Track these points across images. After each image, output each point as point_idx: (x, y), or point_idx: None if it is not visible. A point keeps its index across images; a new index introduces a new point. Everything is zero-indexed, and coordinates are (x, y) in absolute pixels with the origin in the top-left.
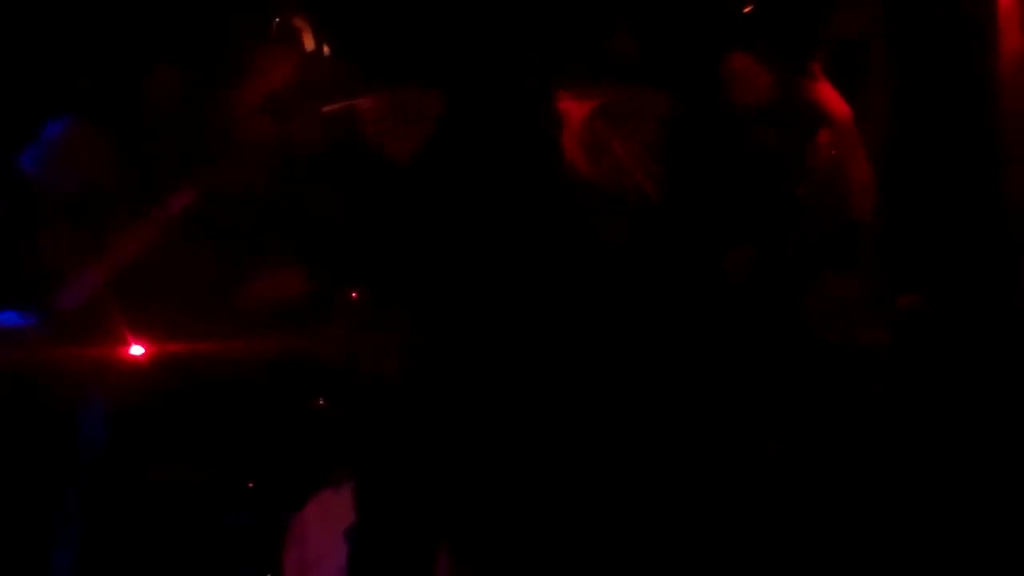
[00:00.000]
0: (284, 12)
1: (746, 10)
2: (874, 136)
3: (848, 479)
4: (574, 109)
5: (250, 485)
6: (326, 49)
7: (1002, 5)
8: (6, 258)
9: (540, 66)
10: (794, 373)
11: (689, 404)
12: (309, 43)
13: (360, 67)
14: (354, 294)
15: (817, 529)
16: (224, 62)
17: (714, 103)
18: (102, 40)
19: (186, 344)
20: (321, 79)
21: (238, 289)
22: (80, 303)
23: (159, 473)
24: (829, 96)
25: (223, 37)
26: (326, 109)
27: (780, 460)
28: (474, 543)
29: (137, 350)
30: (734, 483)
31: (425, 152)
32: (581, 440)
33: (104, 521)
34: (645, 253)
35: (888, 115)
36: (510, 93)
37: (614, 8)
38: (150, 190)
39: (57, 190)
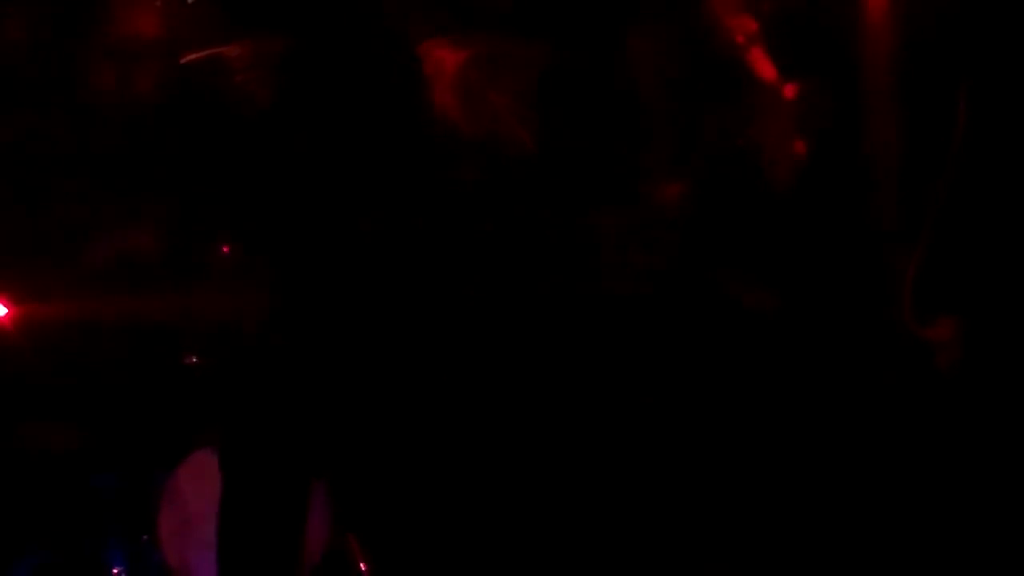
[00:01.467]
0: None
1: None
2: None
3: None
4: (448, 57)
5: (122, 445)
6: None
7: None
8: None
9: (400, 12)
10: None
11: (569, 364)
12: None
13: (223, 14)
14: (224, 249)
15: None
16: (80, 6)
17: (591, 51)
18: None
19: (49, 303)
20: (183, 26)
21: (86, 246)
22: None
23: (26, 435)
24: (760, 61)
25: None
26: (189, 57)
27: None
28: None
29: None
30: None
31: (281, 101)
32: (450, 401)
33: None
34: (521, 204)
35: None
36: (367, 38)
37: None
38: None
39: None
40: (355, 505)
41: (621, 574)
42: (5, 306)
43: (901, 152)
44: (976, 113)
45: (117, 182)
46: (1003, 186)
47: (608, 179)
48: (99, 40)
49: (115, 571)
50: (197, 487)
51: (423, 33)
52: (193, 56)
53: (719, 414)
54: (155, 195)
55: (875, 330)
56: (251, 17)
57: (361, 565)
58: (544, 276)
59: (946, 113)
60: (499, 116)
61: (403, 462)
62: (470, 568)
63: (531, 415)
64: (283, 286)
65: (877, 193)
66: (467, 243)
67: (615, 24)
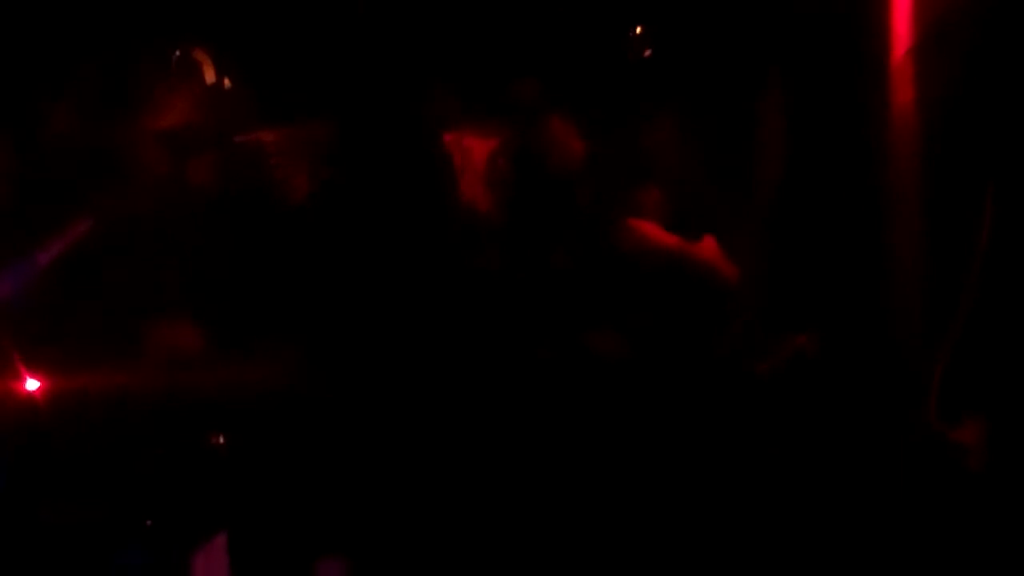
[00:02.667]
0: (184, 45)
1: (646, 54)
2: (766, 178)
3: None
4: (477, 146)
5: (147, 523)
6: (227, 82)
7: (894, 60)
8: None
9: (431, 101)
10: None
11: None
12: (210, 76)
13: (261, 100)
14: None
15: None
16: (123, 94)
17: (620, 141)
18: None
19: (81, 379)
20: (222, 112)
21: (136, 334)
22: None
23: (52, 509)
24: (653, 233)
25: (123, 70)
26: (230, 142)
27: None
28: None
29: (32, 384)
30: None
31: (315, 186)
32: (471, 475)
33: None
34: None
35: (780, 165)
36: (401, 128)
37: (515, 50)
38: (42, 219)
39: None
40: None
41: None
42: (37, 380)
43: (926, 253)
44: (1003, 212)
45: (167, 270)
46: None
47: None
48: (144, 128)
49: None
50: (221, 567)
51: (452, 122)
52: (234, 141)
53: (734, 516)
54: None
55: (901, 432)
56: (288, 103)
57: None
58: (571, 361)
59: (972, 212)
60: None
61: (425, 531)
62: None
63: (556, 493)
64: (311, 364)
65: (904, 297)
66: (495, 326)
67: (639, 112)
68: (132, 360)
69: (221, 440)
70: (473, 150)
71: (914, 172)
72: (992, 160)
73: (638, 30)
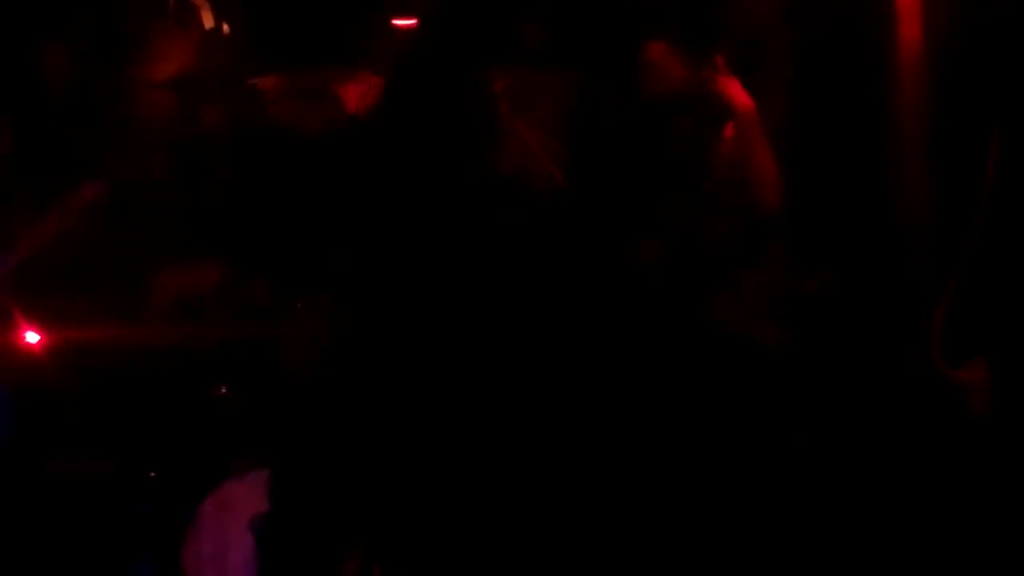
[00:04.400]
0: None
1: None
2: (772, 127)
3: (741, 475)
4: None
5: (151, 475)
6: (225, 28)
7: None
8: None
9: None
10: (694, 366)
11: (585, 396)
12: (208, 21)
13: (260, 46)
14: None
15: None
16: (120, 41)
17: (622, 87)
18: None
19: (83, 332)
20: (220, 58)
21: (147, 282)
22: None
23: (57, 462)
24: (734, 89)
25: (118, 15)
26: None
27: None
28: (389, 540)
29: (32, 337)
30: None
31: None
32: (494, 436)
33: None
34: (552, 239)
35: (786, 106)
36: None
37: None
38: (52, 177)
39: None
40: (383, 538)
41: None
42: (38, 334)
43: (932, 196)
44: (1008, 158)
45: (174, 214)
46: None
47: (638, 212)
48: (145, 72)
49: None
50: (225, 518)
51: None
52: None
53: (739, 456)
54: (212, 229)
55: (906, 373)
56: (286, 50)
57: None
58: (575, 310)
59: (978, 159)
60: (529, 151)
61: (440, 491)
62: None
63: (572, 452)
64: (339, 322)
65: (909, 237)
66: (499, 276)
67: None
68: (136, 311)
69: (224, 391)
70: None
71: (921, 109)
72: (998, 97)
73: None
